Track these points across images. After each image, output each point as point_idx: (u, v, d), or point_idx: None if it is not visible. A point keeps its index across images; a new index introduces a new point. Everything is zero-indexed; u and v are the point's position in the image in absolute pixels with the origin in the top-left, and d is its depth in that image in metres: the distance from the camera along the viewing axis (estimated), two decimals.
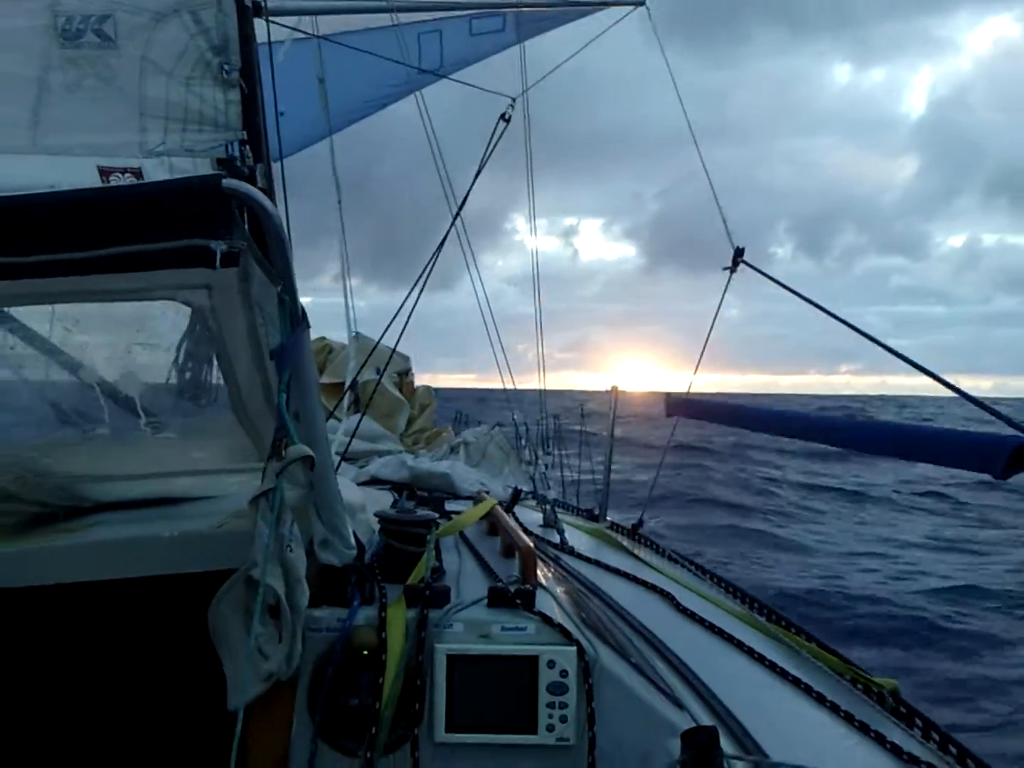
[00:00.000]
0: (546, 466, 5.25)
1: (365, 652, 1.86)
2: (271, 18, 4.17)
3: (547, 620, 1.92)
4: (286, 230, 1.69)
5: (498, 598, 1.99)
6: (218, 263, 1.57)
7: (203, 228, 1.56)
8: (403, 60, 5.65)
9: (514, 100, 5.31)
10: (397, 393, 7.15)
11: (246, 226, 1.64)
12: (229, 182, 1.54)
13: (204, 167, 3.48)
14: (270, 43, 3.98)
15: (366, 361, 5.76)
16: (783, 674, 2.51)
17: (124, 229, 1.55)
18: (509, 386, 5.12)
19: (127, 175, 3.20)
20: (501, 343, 4.94)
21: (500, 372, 4.88)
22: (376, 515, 2.35)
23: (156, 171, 3.31)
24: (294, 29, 5.40)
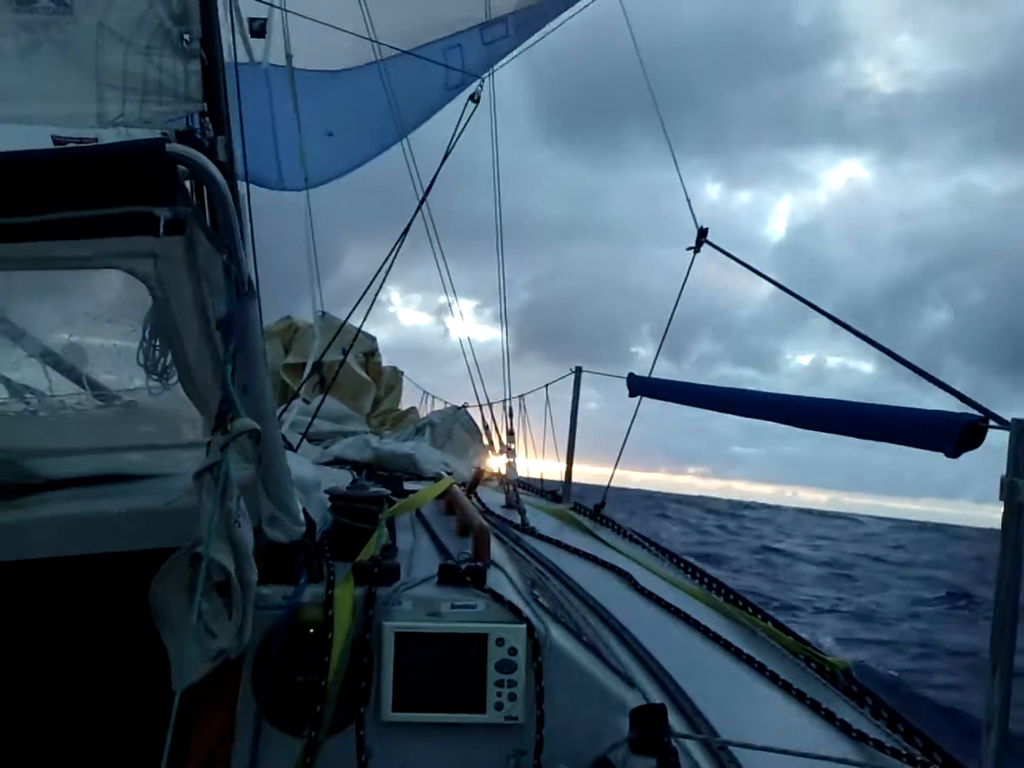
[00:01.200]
0: (511, 448, 5.25)
1: (311, 630, 1.84)
2: None
3: (497, 598, 1.91)
4: (237, 199, 1.66)
5: (448, 575, 1.98)
6: (162, 231, 1.53)
7: (147, 194, 1.52)
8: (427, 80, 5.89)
9: (482, 80, 5.31)
10: (363, 374, 7.10)
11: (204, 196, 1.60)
12: (173, 146, 1.49)
13: None
14: (232, 13, 3.92)
15: (332, 341, 5.72)
16: (737, 653, 2.52)
17: (65, 194, 1.51)
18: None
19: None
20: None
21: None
22: (327, 492, 2.32)
23: (113, 141, 3.24)
24: (265, 4, 5.32)
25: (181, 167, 1.52)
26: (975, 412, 1.75)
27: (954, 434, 1.71)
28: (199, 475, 1.65)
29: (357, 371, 6.93)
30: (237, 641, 1.73)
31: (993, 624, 1.57)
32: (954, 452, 1.71)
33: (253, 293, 1.71)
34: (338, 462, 4.78)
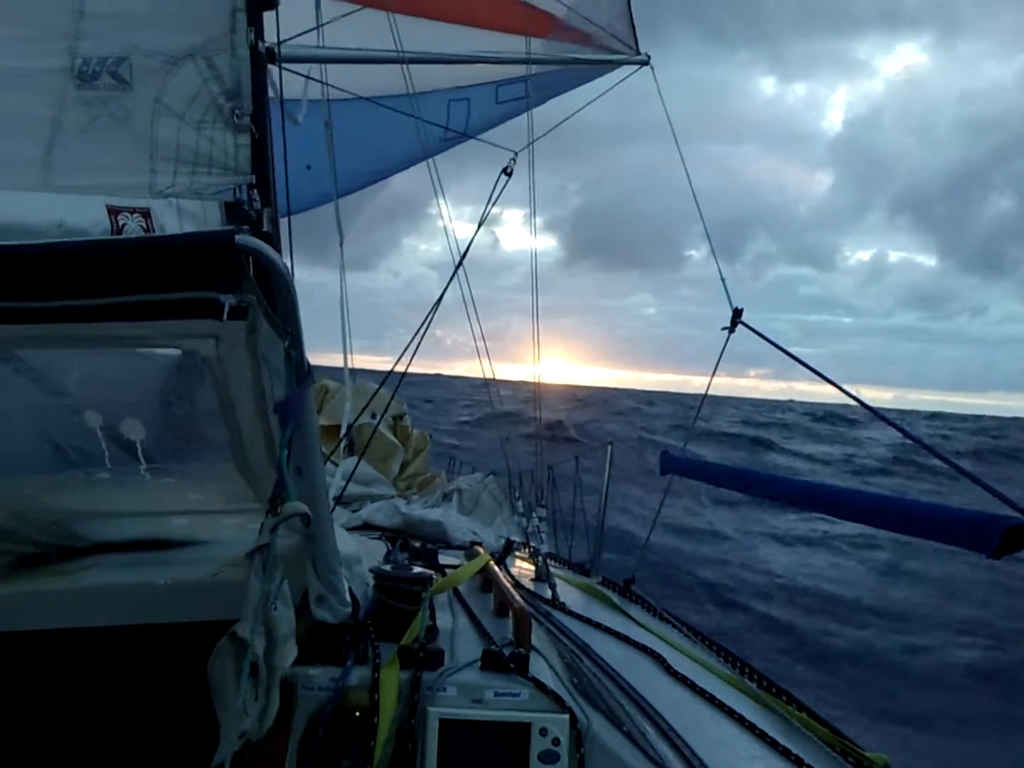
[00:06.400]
0: (539, 519, 5.22)
1: (357, 713, 1.83)
2: (284, 65, 4.23)
3: (540, 686, 1.90)
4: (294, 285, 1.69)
5: (492, 661, 1.97)
6: (226, 316, 1.57)
7: (213, 281, 1.56)
8: (427, 125, 5.72)
9: (516, 154, 5.38)
10: (392, 437, 7.12)
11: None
12: (242, 238, 1.54)
13: (212, 209, 3.50)
14: (281, 89, 4.04)
15: (366, 406, 5.76)
16: (774, 744, 2.48)
17: (135, 279, 1.56)
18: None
19: (135, 215, 3.21)
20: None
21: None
22: (371, 571, 2.33)
23: (164, 211, 3.32)
24: (307, 77, 5.47)
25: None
26: (1017, 515, 1.74)
27: (995, 537, 1.70)
28: (251, 554, 1.66)
29: (386, 434, 6.96)
30: (259, 724, 1.69)
31: None
32: (996, 554, 1.70)
33: (312, 378, 1.74)
34: (366, 527, 4.79)
